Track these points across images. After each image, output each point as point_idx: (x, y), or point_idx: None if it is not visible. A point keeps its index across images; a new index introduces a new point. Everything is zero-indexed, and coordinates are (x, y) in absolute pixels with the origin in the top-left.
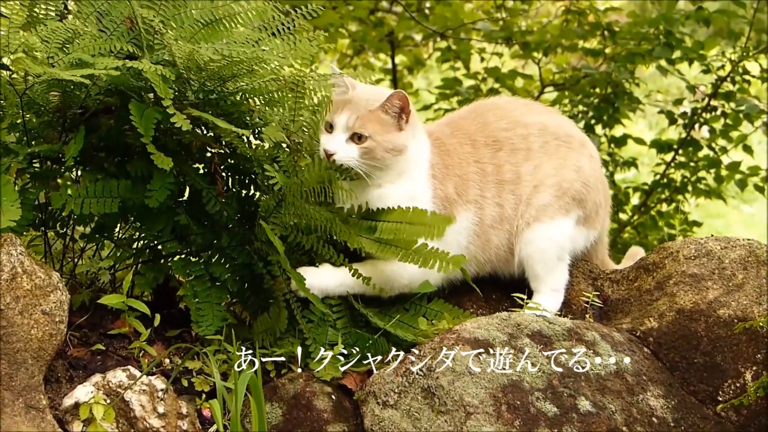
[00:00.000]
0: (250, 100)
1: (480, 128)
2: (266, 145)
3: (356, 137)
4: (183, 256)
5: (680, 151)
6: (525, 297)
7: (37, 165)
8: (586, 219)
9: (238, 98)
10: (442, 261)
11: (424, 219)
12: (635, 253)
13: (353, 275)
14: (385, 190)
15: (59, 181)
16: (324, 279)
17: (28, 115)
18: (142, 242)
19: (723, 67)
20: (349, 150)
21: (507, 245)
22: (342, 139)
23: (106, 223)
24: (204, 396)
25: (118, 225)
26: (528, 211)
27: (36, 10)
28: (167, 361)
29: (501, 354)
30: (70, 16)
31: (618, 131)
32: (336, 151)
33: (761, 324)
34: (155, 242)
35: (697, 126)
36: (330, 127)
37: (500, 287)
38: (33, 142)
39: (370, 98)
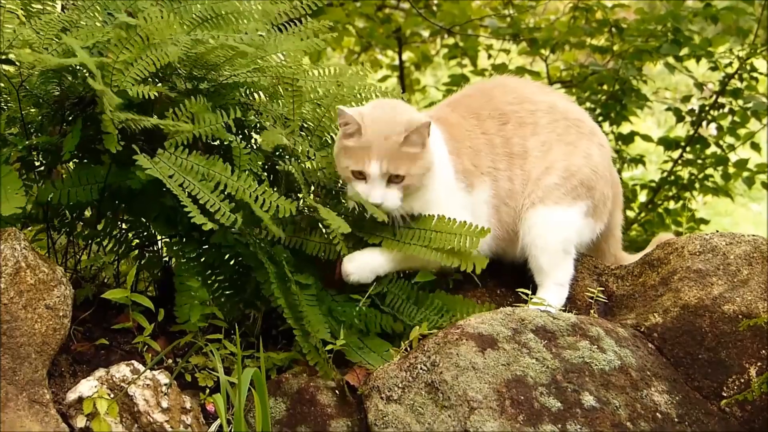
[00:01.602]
0: (245, 92)
1: (484, 103)
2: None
3: (393, 177)
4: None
5: (687, 149)
6: (529, 292)
7: (37, 157)
8: (594, 210)
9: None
10: (468, 260)
11: (460, 229)
12: (663, 239)
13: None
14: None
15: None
16: (374, 261)
17: (28, 108)
18: (134, 231)
19: (731, 64)
20: (392, 195)
21: (515, 223)
22: (382, 187)
23: (102, 211)
24: (208, 391)
25: (118, 220)
26: (535, 191)
27: (33, 5)
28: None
29: (505, 349)
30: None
31: (625, 128)
32: (382, 201)
33: (766, 320)
34: (146, 227)
35: (704, 123)
36: (360, 175)
37: (505, 283)
38: (33, 135)
39: (389, 133)
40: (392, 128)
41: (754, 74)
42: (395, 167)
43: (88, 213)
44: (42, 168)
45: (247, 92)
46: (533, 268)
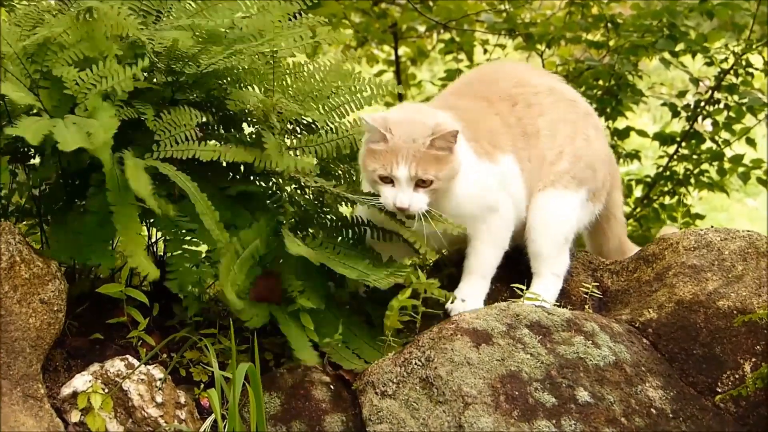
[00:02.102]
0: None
1: (489, 87)
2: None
3: (421, 182)
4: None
5: (683, 144)
6: (524, 287)
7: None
8: (595, 193)
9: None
10: None
11: None
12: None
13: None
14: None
15: None
16: (478, 299)
17: None
18: None
19: (726, 59)
20: (419, 199)
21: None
22: (409, 191)
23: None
24: (202, 386)
25: None
26: (548, 175)
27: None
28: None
29: (500, 344)
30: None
31: (621, 124)
32: (409, 205)
33: (761, 316)
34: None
35: (700, 119)
36: (387, 179)
37: (499, 278)
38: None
39: (416, 137)
40: (420, 131)
41: (750, 70)
42: (423, 171)
43: None
44: (33, 161)
45: (227, 80)
46: (532, 254)
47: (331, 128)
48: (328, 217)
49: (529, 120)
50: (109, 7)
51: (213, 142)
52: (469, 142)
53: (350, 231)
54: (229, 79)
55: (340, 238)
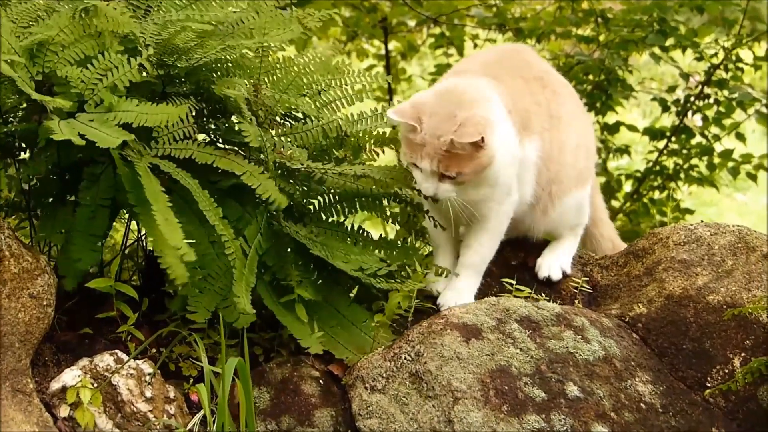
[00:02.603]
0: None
1: (520, 66)
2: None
3: (446, 177)
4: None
5: (673, 139)
6: (514, 282)
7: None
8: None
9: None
10: None
11: None
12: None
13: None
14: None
15: None
16: (469, 293)
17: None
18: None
19: (716, 54)
20: (444, 188)
21: (546, 192)
22: (435, 181)
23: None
24: (192, 380)
25: None
26: (570, 174)
27: None
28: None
29: (489, 339)
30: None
31: (611, 118)
32: (435, 193)
33: (750, 310)
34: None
35: (690, 113)
36: (416, 166)
37: (489, 273)
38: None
39: (441, 135)
40: (446, 127)
41: (740, 65)
42: (445, 167)
43: None
44: (23, 155)
45: (217, 73)
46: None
47: (319, 118)
48: (318, 198)
49: (555, 105)
50: (106, 5)
51: (203, 136)
52: (513, 124)
53: (339, 209)
54: (218, 73)
55: (329, 219)
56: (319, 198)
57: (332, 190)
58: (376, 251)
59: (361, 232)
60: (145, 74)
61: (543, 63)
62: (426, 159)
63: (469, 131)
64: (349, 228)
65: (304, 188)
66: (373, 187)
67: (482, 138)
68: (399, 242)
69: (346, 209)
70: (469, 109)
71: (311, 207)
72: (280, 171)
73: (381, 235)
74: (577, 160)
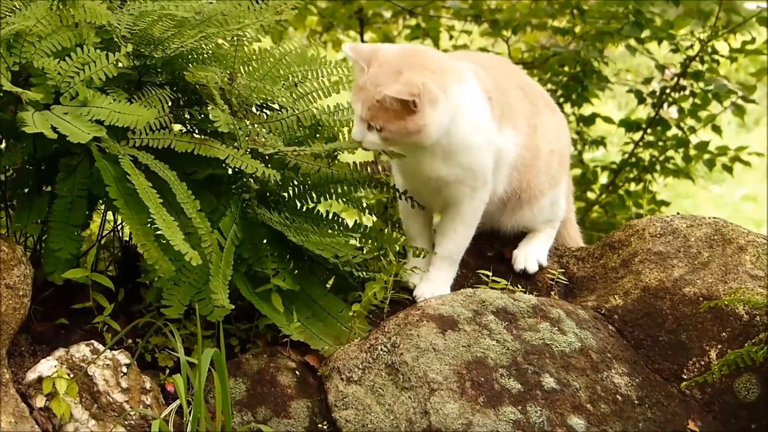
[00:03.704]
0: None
1: (512, 72)
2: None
3: (372, 128)
4: None
5: (649, 131)
6: (490, 274)
7: None
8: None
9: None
10: None
11: None
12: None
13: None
14: (456, 141)
15: None
16: (445, 285)
17: None
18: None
19: (692, 46)
20: (371, 137)
21: (518, 193)
22: (363, 128)
23: None
24: (168, 371)
25: None
26: (546, 178)
27: None
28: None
29: (466, 330)
30: None
31: (587, 110)
32: (361, 140)
33: (726, 302)
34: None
35: (665, 105)
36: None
37: (465, 264)
38: None
39: (379, 85)
40: (386, 80)
41: (716, 57)
42: (371, 117)
43: None
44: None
45: (193, 63)
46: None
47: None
48: (292, 186)
49: (533, 117)
50: None
51: (179, 126)
52: (492, 110)
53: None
54: (194, 63)
55: (304, 207)
56: (294, 184)
57: (308, 177)
58: (352, 239)
59: (336, 218)
60: (121, 65)
61: (524, 74)
62: (359, 103)
63: (401, 89)
64: (324, 215)
65: (279, 175)
66: (347, 172)
67: (414, 102)
68: (375, 230)
69: (321, 196)
70: (420, 73)
71: (285, 195)
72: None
73: (356, 221)
74: (550, 167)
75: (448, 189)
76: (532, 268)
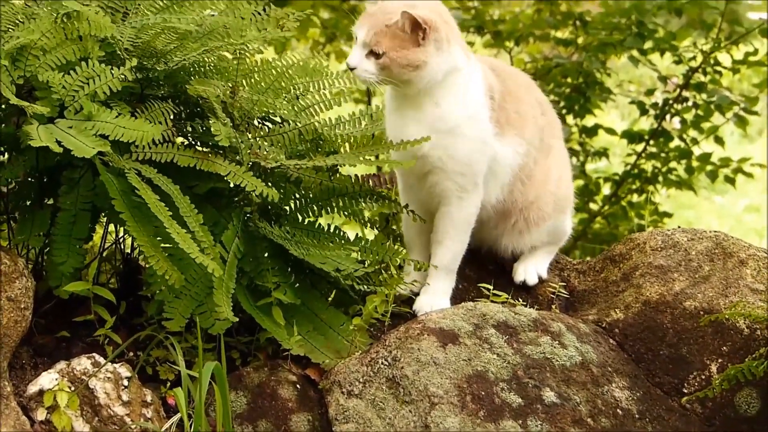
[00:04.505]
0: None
1: (528, 85)
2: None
3: (372, 53)
4: None
5: (651, 142)
6: (491, 287)
7: None
8: None
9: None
10: None
11: None
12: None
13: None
14: (444, 110)
15: None
16: (445, 297)
17: None
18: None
19: (694, 58)
20: (367, 65)
21: (522, 213)
22: (362, 54)
23: None
24: (169, 384)
25: None
26: (556, 202)
27: None
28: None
29: (466, 344)
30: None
31: (589, 121)
32: (356, 66)
33: (727, 316)
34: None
35: (668, 117)
36: (355, 39)
37: (466, 278)
38: None
39: (390, 12)
40: (395, 10)
41: (718, 68)
42: (377, 41)
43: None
44: (1, 159)
45: (195, 76)
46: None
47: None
48: (294, 199)
49: (549, 134)
50: (88, 9)
51: (181, 139)
52: (490, 100)
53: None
54: (197, 76)
55: (305, 220)
56: (295, 197)
57: (309, 191)
58: (353, 253)
59: (337, 232)
60: (123, 77)
61: (542, 93)
62: (365, 29)
63: (421, 12)
64: (325, 228)
65: (281, 189)
66: (348, 185)
67: (425, 31)
68: (376, 243)
69: (323, 209)
70: (434, 14)
71: (287, 208)
72: (256, 173)
73: (357, 234)
74: (559, 189)
75: (436, 186)
76: (532, 281)
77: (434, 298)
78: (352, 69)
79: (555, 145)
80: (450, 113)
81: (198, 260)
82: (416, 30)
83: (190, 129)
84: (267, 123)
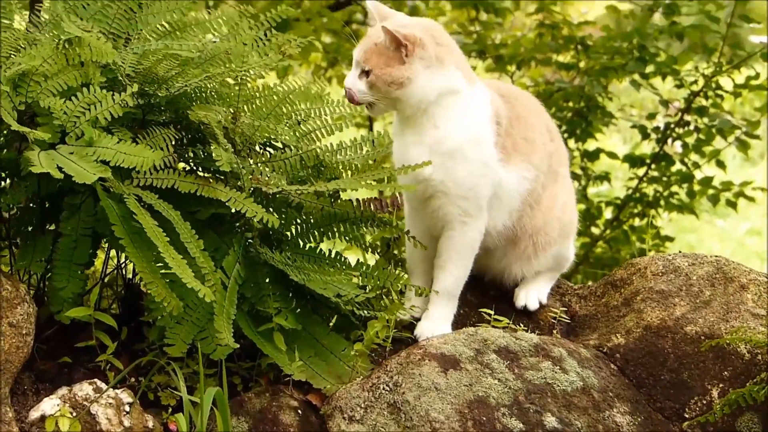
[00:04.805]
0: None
1: (538, 110)
2: None
3: (363, 72)
4: None
5: (653, 166)
6: (492, 312)
7: None
8: None
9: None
10: None
11: None
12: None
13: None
14: (444, 132)
15: None
16: (446, 322)
17: None
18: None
19: (696, 82)
20: (360, 84)
21: (531, 238)
22: (356, 74)
23: None
24: (170, 410)
25: None
26: (561, 228)
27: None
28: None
29: (467, 369)
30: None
31: (591, 145)
32: (351, 87)
33: (728, 341)
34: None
35: (670, 141)
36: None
37: (468, 303)
38: None
39: (381, 31)
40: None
41: (720, 92)
42: (366, 59)
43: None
44: (3, 185)
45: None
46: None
47: (298, 147)
48: (295, 224)
49: (557, 161)
50: (89, 35)
51: (183, 165)
52: (496, 125)
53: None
54: (198, 102)
55: (307, 246)
56: (296, 223)
57: (310, 216)
58: (354, 278)
59: (338, 257)
60: (125, 103)
61: (552, 120)
62: (360, 48)
63: (398, 29)
64: (326, 254)
65: (282, 215)
66: (350, 211)
67: (406, 47)
68: (377, 269)
69: (324, 235)
70: (424, 34)
71: (288, 234)
72: (257, 198)
73: (358, 260)
74: (564, 215)
75: (439, 210)
76: (533, 306)
77: (435, 323)
78: (348, 90)
79: (561, 172)
80: (450, 136)
81: (190, 285)
82: (399, 47)
83: (191, 154)
84: (268, 148)
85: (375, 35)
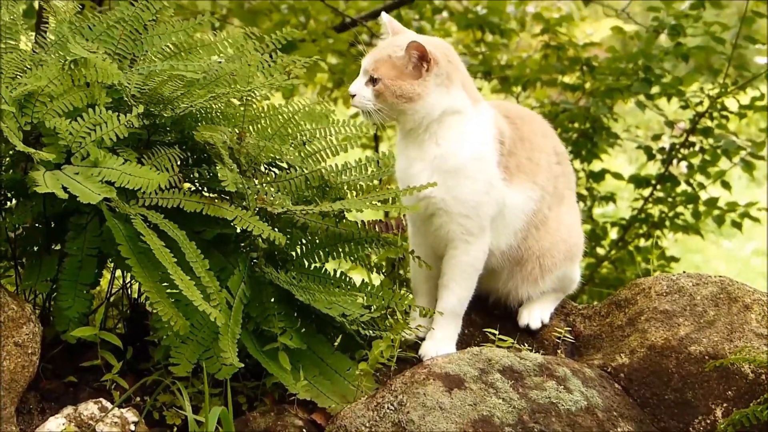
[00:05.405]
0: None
1: (545, 131)
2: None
3: (371, 80)
4: None
5: (658, 187)
6: (497, 332)
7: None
8: None
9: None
10: None
11: None
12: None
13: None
14: (445, 150)
15: None
16: (450, 342)
17: None
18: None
19: (701, 103)
20: (365, 91)
21: (537, 260)
22: (362, 81)
23: None
24: (176, 429)
25: None
26: (567, 250)
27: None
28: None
29: (472, 389)
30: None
31: (596, 166)
32: (355, 93)
33: (732, 361)
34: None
35: (675, 161)
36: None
37: (472, 323)
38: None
39: (398, 45)
40: (404, 42)
41: (725, 113)
42: (375, 68)
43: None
44: (9, 205)
45: (203, 122)
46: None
47: (303, 168)
48: (300, 244)
49: (563, 184)
50: (95, 56)
51: (188, 185)
52: (500, 145)
53: (322, 254)
54: (203, 122)
55: (312, 266)
56: (302, 243)
57: (315, 236)
58: (359, 298)
59: (343, 277)
60: (130, 124)
61: (561, 144)
62: (369, 57)
63: (424, 45)
64: (331, 274)
65: (287, 235)
66: (355, 231)
67: (427, 60)
68: (382, 289)
69: (329, 255)
70: (440, 53)
71: (294, 253)
72: (262, 218)
73: (363, 280)
74: (570, 237)
75: (441, 229)
76: (535, 325)
77: (440, 343)
78: (352, 96)
79: (568, 195)
80: (452, 154)
81: (201, 308)
82: (421, 62)
83: (197, 175)
84: (274, 169)
85: (389, 47)
